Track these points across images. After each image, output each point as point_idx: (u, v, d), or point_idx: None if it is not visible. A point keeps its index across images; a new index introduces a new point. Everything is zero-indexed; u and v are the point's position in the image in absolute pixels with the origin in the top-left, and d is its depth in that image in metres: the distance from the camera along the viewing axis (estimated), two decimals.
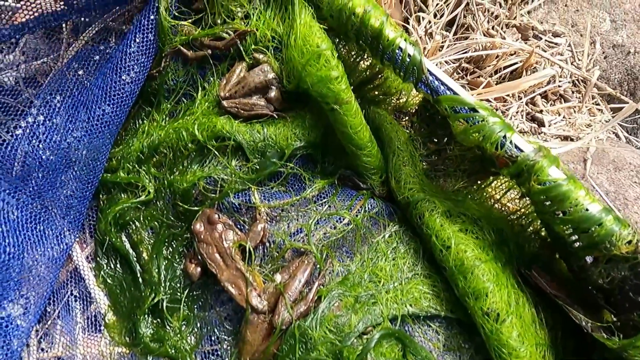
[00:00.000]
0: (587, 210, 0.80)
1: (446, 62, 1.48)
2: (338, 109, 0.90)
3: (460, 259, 0.87)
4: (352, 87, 0.93)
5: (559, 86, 1.49)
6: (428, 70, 0.90)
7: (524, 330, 0.84)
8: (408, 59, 0.89)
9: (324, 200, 0.99)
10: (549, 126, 1.44)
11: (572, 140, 1.40)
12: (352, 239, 0.96)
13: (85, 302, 0.90)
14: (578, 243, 0.84)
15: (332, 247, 0.94)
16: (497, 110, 1.45)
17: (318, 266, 0.89)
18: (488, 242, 0.94)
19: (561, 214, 0.84)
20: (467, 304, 0.84)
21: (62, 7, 0.91)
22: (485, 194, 1.02)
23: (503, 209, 1.00)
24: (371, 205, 1.00)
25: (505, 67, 1.48)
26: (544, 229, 0.95)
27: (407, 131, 1.12)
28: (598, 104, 1.56)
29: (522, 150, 0.83)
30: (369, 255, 0.95)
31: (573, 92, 1.55)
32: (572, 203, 0.81)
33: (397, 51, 0.89)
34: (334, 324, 0.82)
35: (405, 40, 0.89)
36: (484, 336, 0.83)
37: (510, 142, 0.84)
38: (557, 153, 1.33)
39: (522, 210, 0.97)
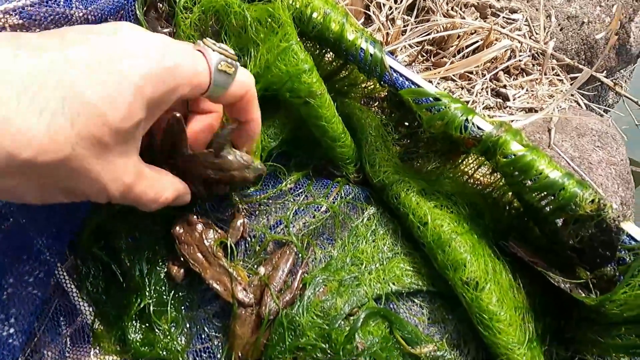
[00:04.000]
0: (550, 177, 0.84)
1: (410, 45, 1.51)
2: (311, 102, 0.92)
3: (437, 233, 0.90)
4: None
5: (520, 60, 1.54)
6: (390, 66, 0.93)
7: (502, 295, 0.88)
8: (370, 58, 0.92)
9: (300, 191, 1.00)
10: (514, 100, 1.49)
11: (536, 111, 1.45)
12: (332, 225, 0.98)
13: (70, 315, 0.89)
14: (547, 208, 0.89)
15: (312, 236, 0.96)
16: (462, 88, 1.49)
17: (300, 255, 0.91)
18: (463, 215, 0.97)
19: (529, 183, 0.88)
20: (447, 275, 0.87)
21: None
22: (458, 171, 1.06)
23: (476, 183, 1.04)
24: (347, 191, 1.02)
25: (467, 47, 1.51)
26: (516, 199, 0.98)
27: (378, 116, 1.14)
28: (558, 75, 1.62)
29: (484, 130, 0.87)
30: (350, 240, 0.97)
31: (534, 66, 1.60)
32: (537, 171, 0.85)
33: (359, 51, 0.91)
34: (321, 309, 0.84)
35: (366, 40, 0.92)
36: (466, 305, 0.86)
37: (473, 124, 0.87)
38: (523, 125, 1.37)
39: (494, 183, 1.01)
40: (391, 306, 0.91)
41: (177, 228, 0.88)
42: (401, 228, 1.00)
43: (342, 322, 0.83)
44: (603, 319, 0.88)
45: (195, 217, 0.89)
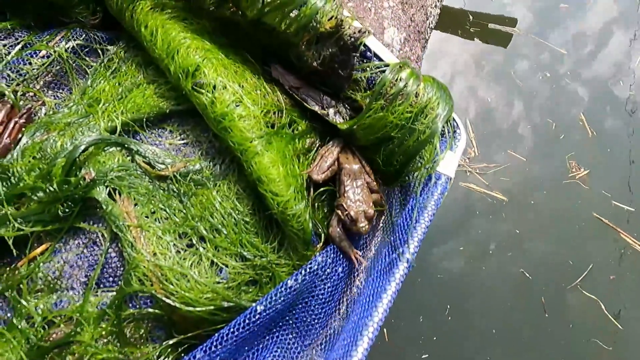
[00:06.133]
0: None
1: None
2: None
3: (167, 41, 0.82)
4: None
5: None
6: None
7: (246, 95, 0.83)
8: None
9: (14, 41, 0.88)
10: None
11: None
12: (63, 73, 0.88)
13: None
14: (290, 29, 0.81)
15: (41, 86, 0.86)
16: None
17: (14, 106, 0.82)
18: (203, 29, 0.89)
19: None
20: (181, 84, 0.81)
21: None
22: None
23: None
24: (78, 34, 0.91)
25: None
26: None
27: None
28: None
29: None
30: (89, 84, 0.88)
31: None
32: None
33: None
34: (39, 151, 0.77)
35: None
36: (201, 111, 0.81)
37: None
38: None
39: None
40: (138, 137, 0.85)
41: None
42: (149, 60, 0.91)
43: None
44: (358, 142, 0.87)
45: None
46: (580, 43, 2.12)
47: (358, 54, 0.85)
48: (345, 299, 0.88)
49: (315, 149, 0.90)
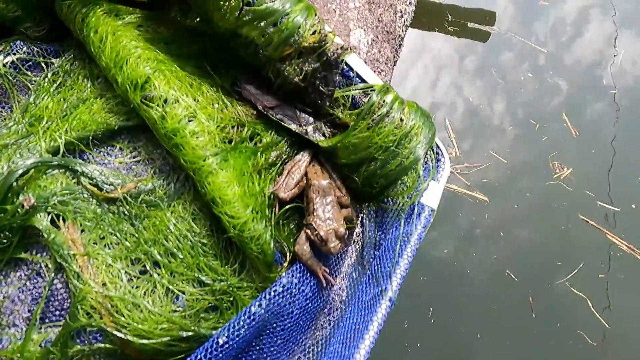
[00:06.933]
0: (270, 4, 0.75)
1: None
2: None
3: (116, 49, 0.76)
4: None
5: None
6: None
7: (201, 110, 0.77)
8: None
9: None
10: None
11: None
12: (3, 90, 0.82)
13: None
14: (270, 43, 0.77)
15: None
16: None
17: None
18: (159, 38, 0.84)
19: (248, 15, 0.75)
20: (130, 96, 0.75)
21: None
22: None
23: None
24: (18, 48, 0.84)
25: None
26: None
27: None
28: None
29: None
30: (31, 100, 0.82)
31: None
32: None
33: None
34: None
35: None
36: (151, 125, 0.75)
37: None
38: None
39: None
40: (84, 157, 0.79)
41: None
42: (97, 73, 0.85)
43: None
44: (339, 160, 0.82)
45: None
46: (561, 40, 2.10)
47: (340, 71, 0.81)
48: (319, 324, 0.83)
49: (280, 162, 0.85)
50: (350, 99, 0.81)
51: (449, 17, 2.08)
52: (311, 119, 0.86)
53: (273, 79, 0.83)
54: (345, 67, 0.81)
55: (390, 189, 0.81)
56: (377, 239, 0.83)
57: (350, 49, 0.82)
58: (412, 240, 0.77)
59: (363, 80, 0.82)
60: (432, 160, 0.81)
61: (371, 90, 0.79)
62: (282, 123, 0.85)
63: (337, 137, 0.81)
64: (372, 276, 0.78)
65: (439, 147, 0.83)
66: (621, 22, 2.13)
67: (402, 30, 1.56)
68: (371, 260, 0.82)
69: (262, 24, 0.77)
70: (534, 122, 1.83)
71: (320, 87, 0.82)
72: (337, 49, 0.80)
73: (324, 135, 0.85)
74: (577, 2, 2.22)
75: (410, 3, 1.64)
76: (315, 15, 0.79)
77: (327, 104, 0.83)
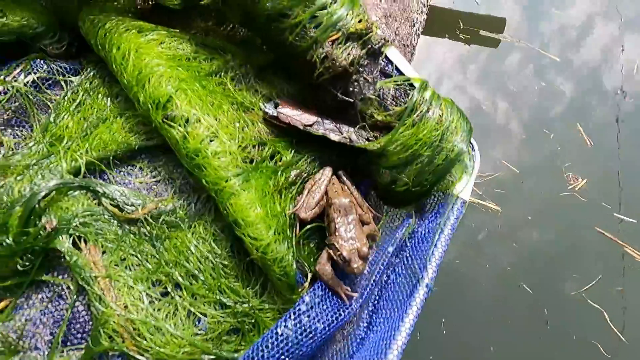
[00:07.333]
0: None
1: None
2: None
3: (139, 67, 0.76)
4: None
5: None
6: None
7: (222, 129, 0.77)
8: None
9: None
10: None
11: None
12: (23, 109, 0.82)
13: None
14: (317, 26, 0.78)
15: None
16: None
17: None
18: (182, 55, 0.83)
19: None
20: (151, 115, 0.74)
21: None
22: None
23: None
24: (39, 66, 0.84)
25: None
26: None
27: None
28: None
29: None
30: (51, 119, 0.82)
31: None
32: None
33: None
34: None
35: None
36: (173, 146, 0.75)
37: None
38: None
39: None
40: (105, 177, 0.79)
41: None
42: (117, 92, 0.85)
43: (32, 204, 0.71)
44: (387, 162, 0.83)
45: None
46: (577, 50, 2.08)
47: (383, 59, 0.83)
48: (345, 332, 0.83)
49: (300, 181, 0.84)
50: (385, 99, 0.83)
51: (461, 25, 2.07)
52: (351, 128, 0.85)
53: (318, 63, 0.82)
54: (383, 61, 0.84)
55: (440, 183, 0.83)
56: (411, 231, 0.85)
57: (391, 42, 0.84)
58: (446, 231, 0.81)
59: (401, 74, 0.84)
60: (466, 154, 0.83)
61: (410, 85, 0.81)
62: (326, 136, 0.84)
63: (386, 137, 0.81)
64: (406, 267, 0.81)
65: (470, 142, 0.85)
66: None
67: (414, 39, 1.56)
68: (403, 252, 0.84)
69: (313, 5, 0.77)
70: (548, 132, 1.81)
71: (364, 75, 0.83)
72: (381, 39, 0.82)
73: (367, 139, 0.84)
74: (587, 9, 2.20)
75: (422, 12, 1.64)
76: (360, 5, 0.80)
77: (372, 92, 0.83)
